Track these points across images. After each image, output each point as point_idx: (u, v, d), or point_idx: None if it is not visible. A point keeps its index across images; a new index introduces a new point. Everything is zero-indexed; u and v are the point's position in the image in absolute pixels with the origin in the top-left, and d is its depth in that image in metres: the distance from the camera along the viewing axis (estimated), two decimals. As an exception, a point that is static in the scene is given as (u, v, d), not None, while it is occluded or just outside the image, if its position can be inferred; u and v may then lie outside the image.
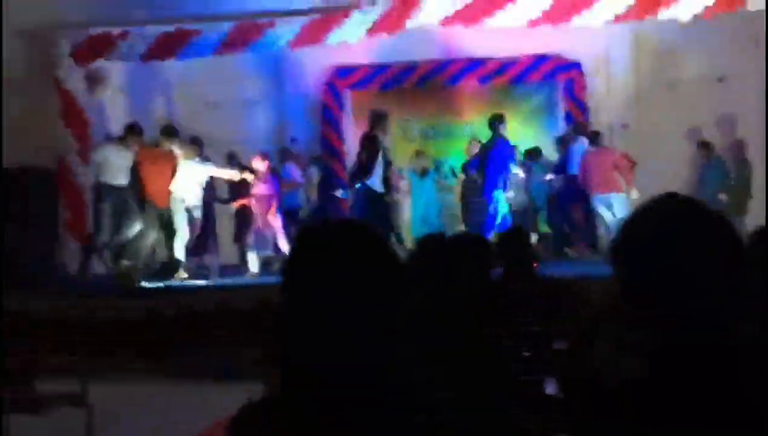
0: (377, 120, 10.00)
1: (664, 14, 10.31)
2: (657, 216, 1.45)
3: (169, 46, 11.20)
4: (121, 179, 9.78)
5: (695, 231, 1.40)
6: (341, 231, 1.43)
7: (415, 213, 11.67)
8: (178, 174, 10.04)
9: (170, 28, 11.14)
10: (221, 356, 7.73)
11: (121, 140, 9.92)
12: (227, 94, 13.59)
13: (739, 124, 12.13)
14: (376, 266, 1.37)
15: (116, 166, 9.75)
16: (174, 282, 9.95)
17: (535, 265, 4.60)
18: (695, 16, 10.33)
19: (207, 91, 13.66)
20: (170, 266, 10.18)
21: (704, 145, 11.80)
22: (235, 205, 11.34)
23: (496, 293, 3.26)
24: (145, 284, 9.73)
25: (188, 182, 10.10)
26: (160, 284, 9.74)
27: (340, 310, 1.33)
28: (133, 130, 9.91)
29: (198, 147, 10.80)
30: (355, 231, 1.43)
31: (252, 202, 10.77)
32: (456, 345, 1.91)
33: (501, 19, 10.62)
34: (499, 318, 2.77)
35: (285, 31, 10.97)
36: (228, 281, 10.48)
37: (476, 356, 2.04)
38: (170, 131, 10.30)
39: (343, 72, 13.61)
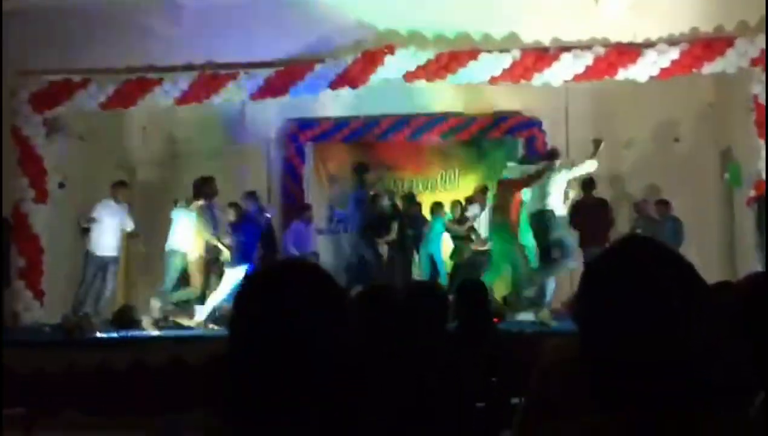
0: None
1: (623, 74, 10.52)
2: (620, 257, 1.42)
3: (130, 95, 11.15)
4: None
5: (657, 271, 1.37)
6: (287, 269, 1.41)
7: None
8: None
9: (132, 77, 11.08)
10: (174, 412, 7.53)
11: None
12: (189, 144, 13.58)
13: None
14: (322, 302, 1.35)
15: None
16: (130, 332, 9.75)
17: (495, 320, 4.56)
18: (651, 78, 10.56)
19: (170, 141, 13.67)
20: (126, 315, 10.02)
21: (662, 203, 11.93)
22: None
23: (451, 345, 3.22)
24: (99, 334, 9.52)
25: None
26: (114, 335, 9.53)
27: (284, 347, 1.30)
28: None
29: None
30: (301, 269, 1.41)
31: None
32: (407, 393, 1.86)
33: (463, 75, 10.75)
34: (452, 369, 2.73)
35: (248, 82, 10.98)
36: (183, 332, 10.28)
37: (427, 404, 1.99)
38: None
39: (305, 125, 13.64)
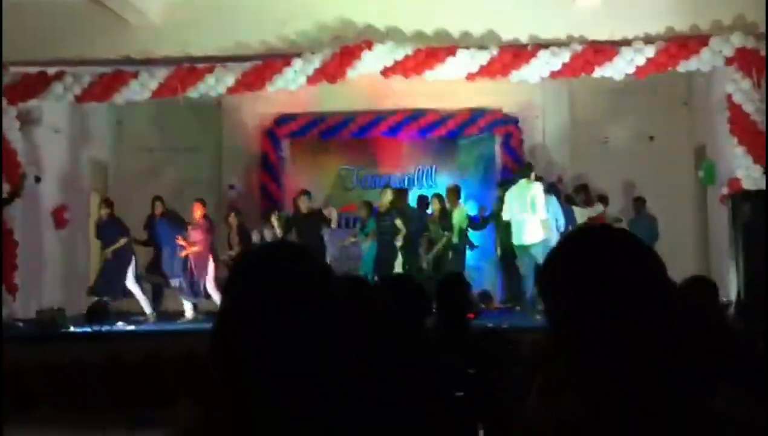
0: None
1: (599, 72, 10.59)
2: (580, 245, 1.43)
3: (106, 88, 11.04)
4: None
5: (618, 259, 1.37)
6: (276, 250, 1.41)
7: None
8: None
9: (107, 70, 10.99)
10: (149, 407, 7.49)
11: None
12: (165, 139, 13.52)
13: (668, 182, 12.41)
14: (308, 282, 1.35)
15: None
16: (103, 327, 9.69)
17: (470, 316, 4.56)
18: (628, 76, 10.64)
19: (145, 135, 13.59)
20: (98, 311, 9.95)
21: (638, 201, 12.05)
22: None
23: (430, 336, 3.23)
24: (72, 328, 9.46)
25: None
26: (87, 329, 9.47)
27: (270, 327, 1.30)
28: None
29: None
30: (290, 250, 1.41)
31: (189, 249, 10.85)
32: (385, 380, 1.87)
33: (441, 71, 10.77)
34: (431, 360, 2.74)
35: (225, 76, 10.91)
36: (157, 327, 10.24)
37: (406, 391, 2.00)
38: None
39: (283, 120, 13.61)
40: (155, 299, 11.48)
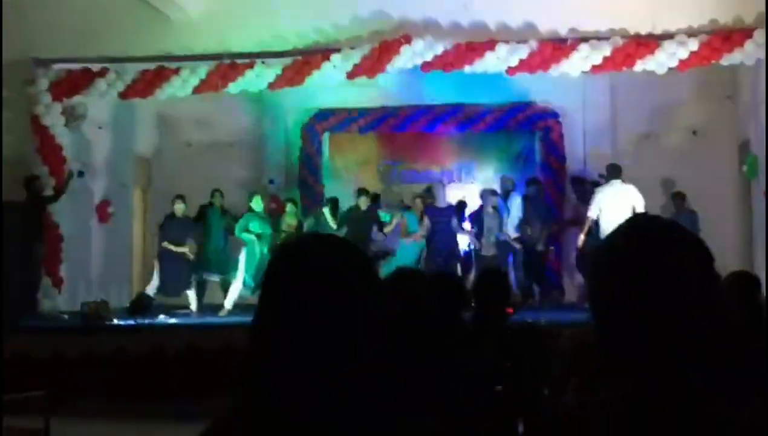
0: None
1: (641, 66, 10.47)
2: (634, 234, 1.42)
3: (148, 85, 11.19)
4: None
5: (671, 250, 1.37)
6: (318, 243, 1.40)
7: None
8: None
9: (150, 66, 11.12)
10: (187, 399, 7.58)
11: None
12: (206, 134, 13.65)
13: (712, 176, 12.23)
14: (337, 276, 1.33)
15: None
16: (145, 320, 9.84)
17: (509, 311, 4.55)
18: (671, 69, 10.50)
19: (186, 130, 13.73)
20: (141, 304, 10.11)
21: (678, 196, 11.88)
22: None
23: (469, 330, 3.24)
24: (116, 321, 9.62)
25: None
26: (130, 322, 9.61)
27: (293, 321, 1.29)
28: None
29: None
30: (325, 244, 1.40)
31: None
32: (427, 375, 1.87)
33: (480, 65, 10.72)
34: (470, 355, 2.75)
35: (265, 71, 11.00)
36: (199, 320, 10.35)
37: (447, 385, 2.01)
38: None
39: (322, 115, 13.65)
40: (198, 292, 11.58)
